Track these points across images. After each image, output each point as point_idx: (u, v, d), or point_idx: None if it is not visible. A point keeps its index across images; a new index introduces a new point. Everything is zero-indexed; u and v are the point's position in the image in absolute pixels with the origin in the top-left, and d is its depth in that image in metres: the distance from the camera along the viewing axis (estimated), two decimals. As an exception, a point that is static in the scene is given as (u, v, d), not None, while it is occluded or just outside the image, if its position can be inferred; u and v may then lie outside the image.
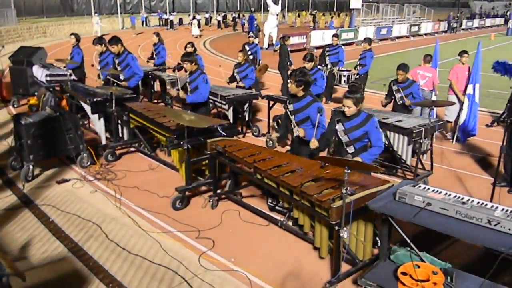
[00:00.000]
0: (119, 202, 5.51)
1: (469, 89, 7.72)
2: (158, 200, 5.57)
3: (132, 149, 7.36)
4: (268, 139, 7.81)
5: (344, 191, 3.59)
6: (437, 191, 3.67)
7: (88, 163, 6.53)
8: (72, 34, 9.70)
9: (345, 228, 3.63)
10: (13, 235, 4.71)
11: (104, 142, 7.15)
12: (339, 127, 4.76)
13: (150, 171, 6.58)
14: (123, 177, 6.30)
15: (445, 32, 35.53)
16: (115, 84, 7.36)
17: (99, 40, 8.19)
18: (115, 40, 7.58)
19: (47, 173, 6.38)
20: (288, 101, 5.39)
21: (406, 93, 6.86)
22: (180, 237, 4.74)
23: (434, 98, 8.23)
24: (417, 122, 6.04)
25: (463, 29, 38.31)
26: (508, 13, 41.51)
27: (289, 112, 5.32)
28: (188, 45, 9.05)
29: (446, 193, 3.61)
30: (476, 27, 41.52)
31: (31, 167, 6.04)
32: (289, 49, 11.64)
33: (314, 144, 4.85)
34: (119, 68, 7.62)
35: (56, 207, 5.37)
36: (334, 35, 11.27)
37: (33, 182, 6.06)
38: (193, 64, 6.46)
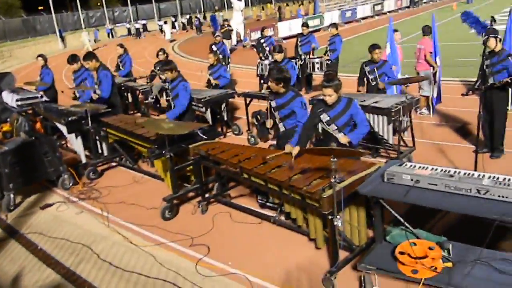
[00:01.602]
0: (107, 219, 5.40)
1: (438, 62, 7.85)
2: (147, 213, 5.48)
3: (114, 164, 7.24)
4: (249, 136, 7.77)
5: (332, 180, 3.58)
6: (424, 167, 3.69)
7: (71, 184, 6.39)
8: (39, 55, 9.50)
9: (338, 216, 3.61)
10: (2, 268, 4.58)
11: (84, 160, 7.01)
12: (323, 117, 4.77)
13: (135, 184, 6.48)
14: (108, 193, 6.18)
15: (408, 7, 35.92)
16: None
17: (73, 59, 7.84)
18: (89, 55, 7.36)
19: (29, 200, 6.23)
20: (270, 98, 5.38)
21: (379, 73, 6.88)
22: (174, 247, 4.67)
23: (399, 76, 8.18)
24: (394, 101, 6.07)
25: (425, 2, 38.76)
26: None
27: (272, 109, 5.30)
28: (160, 52, 8.94)
29: (432, 168, 3.63)
30: (438, -1, 42.08)
31: (12, 196, 5.88)
32: (265, 40, 11.34)
33: (295, 151, 4.61)
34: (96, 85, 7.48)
35: (42, 233, 5.24)
36: (303, 25, 11.21)
37: (16, 211, 5.91)
38: (173, 71, 6.48)
